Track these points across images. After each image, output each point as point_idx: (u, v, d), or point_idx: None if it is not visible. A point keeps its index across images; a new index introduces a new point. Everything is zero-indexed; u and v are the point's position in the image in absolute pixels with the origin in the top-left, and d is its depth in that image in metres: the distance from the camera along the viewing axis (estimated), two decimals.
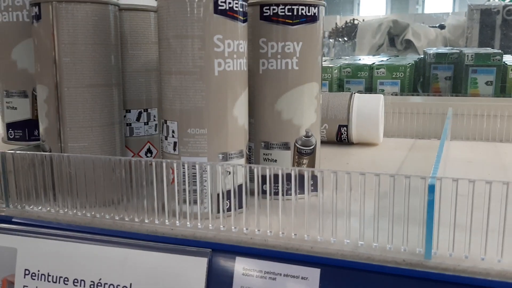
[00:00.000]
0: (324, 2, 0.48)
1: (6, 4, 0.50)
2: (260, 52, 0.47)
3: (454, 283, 0.32)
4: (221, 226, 0.39)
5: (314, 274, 0.34)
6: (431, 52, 1.02)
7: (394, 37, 3.22)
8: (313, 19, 0.46)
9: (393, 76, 0.95)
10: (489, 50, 0.92)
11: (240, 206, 0.42)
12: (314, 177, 0.49)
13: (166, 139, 0.43)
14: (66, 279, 0.40)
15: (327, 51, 5.23)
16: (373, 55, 2.15)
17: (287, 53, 0.46)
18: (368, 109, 0.74)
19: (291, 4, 0.45)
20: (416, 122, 0.82)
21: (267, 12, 0.46)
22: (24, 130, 0.52)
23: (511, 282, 0.31)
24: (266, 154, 0.48)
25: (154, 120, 0.53)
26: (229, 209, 0.42)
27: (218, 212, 0.41)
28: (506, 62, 0.87)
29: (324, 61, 1.18)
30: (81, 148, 0.45)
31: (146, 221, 0.41)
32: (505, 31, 3.09)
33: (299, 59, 0.46)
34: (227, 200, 0.42)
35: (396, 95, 0.95)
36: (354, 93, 0.76)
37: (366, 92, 0.99)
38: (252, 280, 0.35)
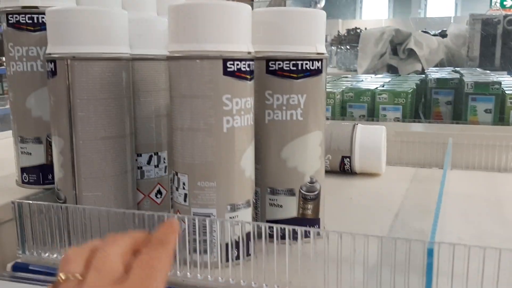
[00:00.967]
0: (327, 54, 0.50)
1: (20, 54, 0.52)
2: (266, 103, 0.49)
3: None
4: (230, 279, 0.41)
5: None
6: (433, 77, 1.04)
7: (397, 46, 3.23)
8: (317, 72, 0.48)
9: (395, 101, 0.97)
10: (488, 79, 0.94)
11: (248, 254, 0.44)
12: (316, 220, 0.51)
13: (177, 190, 0.45)
14: None
15: (329, 59, 5.23)
16: (375, 74, 2.16)
17: (292, 104, 0.48)
18: (371, 141, 0.76)
19: (296, 60, 0.47)
20: (418, 151, 0.84)
21: (272, 67, 0.48)
22: (39, 174, 0.54)
23: None
24: (272, 200, 0.50)
25: (164, 162, 0.55)
26: (237, 257, 0.44)
27: (227, 261, 0.43)
28: (505, 91, 0.89)
29: (328, 82, 1.20)
30: (95, 197, 0.47)
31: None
32: (506, 41, 3.11)
33: (303, 110, 0.48)
34: (235, 249, 0.44)
35: (398, 120, 0.96)
36: (357, 124, 0.78)
37: (368, 116, 1.01)
38: None
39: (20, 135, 0.54)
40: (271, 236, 0.41)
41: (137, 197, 0.53)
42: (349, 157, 0.76)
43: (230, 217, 0.44)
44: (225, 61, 0.42)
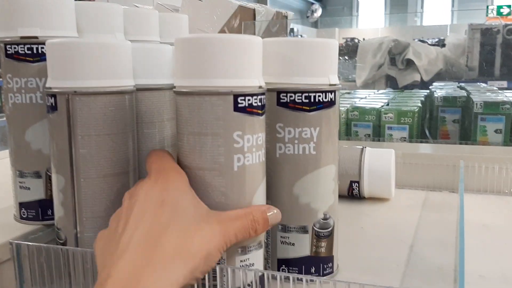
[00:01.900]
0: (340, 85, 0.47)
1: (19, 86, 0.50)
2: (277, 136, 0.46)
3: None
4: None
5: None
6: (439, 95, 1.02)
7: (395, 56, 3.23)
8: (330, 104, 0.46)
9: (401, 121, 0.95)
10: (498, 98, 0.92)
11: None
12: (330, 258, 0.49)
13: None
14: None
15: None
16: (377, 89, 2.14)
17: (304, 138, 0.46)
18: (380, 165, 0.73)
19: (308, 92, 0.45)
20: (427, 173, 0.82)
21: (284, 99, 0.45)
22: (38, 210, 0.52)
23: None
24: (284, 237, 0.48)
25: None
26: None
27: None
28: (509, 112, 0.87)
29: None
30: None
31: None
32: (505, 50, 3.11)
33: (316, 143, 0.46)
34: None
35: (405, 140, 0.94)
36: (365, 148, 0.75)
37: (374, 135, 0.99)
38: None
39: (18, 169, 0.52)
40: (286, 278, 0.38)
41: None
42: (358, 182, 0.74)
43: (241, 260, 0.42)
44: (236, 96, 0.40)
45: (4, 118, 0.52)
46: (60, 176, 0.45)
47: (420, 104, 1.02)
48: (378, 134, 0.98)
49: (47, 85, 0.45)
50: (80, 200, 0.44)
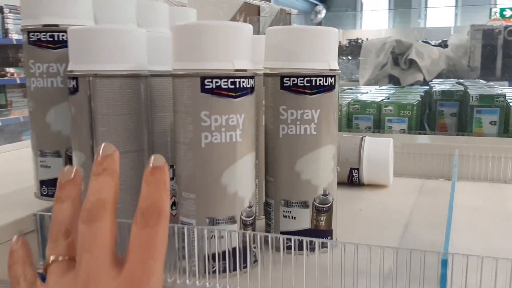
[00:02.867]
0: (339, 71, 0.51)
1: (41, 71, 0.54)
2: (280, 118, 0.50)
3: None
4: (228, 286, 0.43)
5: None
6: (437, 89, 1.06)
7: (398, 57, 3.25)
8: (330, 88, 0.50)
9: (401, 114, 0.98)
10: (493, 91, 0.96)
11: (245, 266, 0.45)
12: (329, 232, 0.52)
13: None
14: None
15: None
16: (379, 85, 2.17)
17: (305, 119, 0.50)
18: (378, 154, 0.77)
19: (310, 76, 0.49)
20: (424, 163, 0.85)
21: (287, 83, 0.49)
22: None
23: None
24: (286, 212, 0.52)
25: None
26: (234, 269, 0.45)
27: (224, 272, 0.45)
28: (509, 103, 0.90)
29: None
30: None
31: (179, 281, 0.45)
32: (506, 51, 3.13)
33: (317, 124, 0.50)
34: (224, 260, 0.45)
35: (404, 132, 0.98)
36: (365, 137, 0.79)
37: (374, 128, 1.03)
38: None
39: (39, 149, 0.56)
40: (277, 248, 0.42)
41: None
42: (357, 169, 0.77)
43: (211, 234, 0.45)
44: (202, 78, 0.43)
45: None
46: (81, 153, 0.49)
47: (419, 98, 1.05)
48: (378, 127, 1.01)
49: (68, 69, 0.48)
50: None
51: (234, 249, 0.45)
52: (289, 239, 0.41)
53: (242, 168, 0.46)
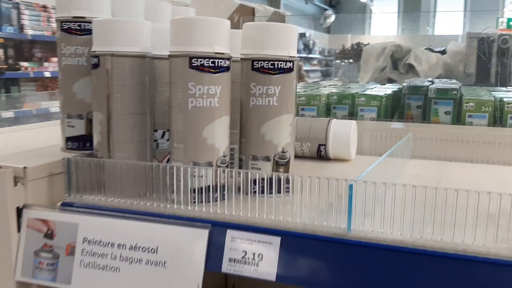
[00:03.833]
0: (298, 58, 0.67)
1: (70, 52, 0.70)
2: (251, 92, 0.66)
3: (362, 246, 0.50)
4: (218, 210, 0.59)
5: (276, 240, 0.53)
6: (406, 84, 1.21)
7: (397, 61, 3.40)
8: (289, 70, 0.66)
9: (371, 104, 1.14)
10: (449, 86, 1.11)
11: (224, 198, 0.61)
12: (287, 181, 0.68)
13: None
14: (112, 244, 0.59)
15: (335, 72, 5.39)
16: (380, 84, 2.30)
17: (269, 93, 0.65)
18: (342, 132, 0.93)
19: (274, 60, 0.65)
20: (386, 144, 1.01)
21: (256, 65, 0.65)
22: (80, 142, 0.72)
23: (395, 245, 0.49)
24: (253, 164, 0.67)
25: None
26: (222, 199, 0.61)
27: (209, 201, 0.61)
28: (462, 96, 1.06)
29: (317, 88, 1.37)
30: (124, 157, 0.65)
31: (169, 206, 0.61)
32: (500, 58, 3.27)
33: (278, 97, 0.66)
34: (222, 192, 0.61)
35: (374, 120, 1.13)
36: (332, 119, 0.95)
37: (349, 116, 1.18)
38: (237, 243, 0.54)
39: (66, 112, 0.72)
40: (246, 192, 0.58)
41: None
42: (324, 145, 0.93)
43: (193, 171, 0.61)
44: (190, 58, 0.60)
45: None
46: (100, 113, 0.65)
47: (390, 92, 1.21)
48: (352, 115, 1.17)
49: (92, 50, 0.65)
50: (112, 130, 0.64)
51: (209, 186, 0.61)
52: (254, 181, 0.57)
53: (219, 126, 0.62)
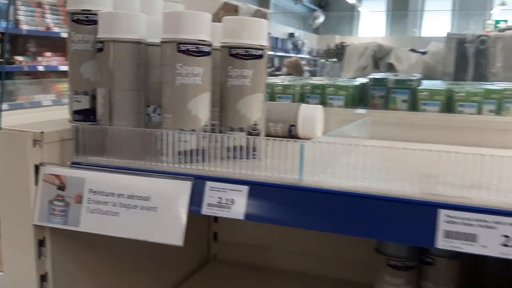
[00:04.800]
0: (268, 46, 0.81)
1: (78, 39, 0.84)
2: (228, 74, 0.80)
3: (311, 191, 0.65)
4: (199, 167, 0.73)
5: (245, 189, 0.67)
6: (370, 77, 1.36)
7: (378, 60, 3.55)
8: (260, 57, 0.80)
9: (339, 93, 1.28)
10: (405, 77, 1.26)
11: (204, 160, 0.75)
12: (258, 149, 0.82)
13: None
14: (113, 194, 0.73)
15: (320, 70, 5.54)
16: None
17: (244, 75, 0.80)
18: (309, 115, 1.07)
19: (247, 48, 0.79)
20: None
21: (233, 52, 0.79)
22: (85, 115, 0.86)
23: (339, 191, 0.64)
24: (230, 134, 0.81)
25: None
26: (201, 160, 0.75)
27: (192, 162, 0.75)
28: (417, 87, 1.21)
29: (295, 80, 1.52)
30: (122, 125, 0.78)
31: (159, 164, 0.75)
32: (478, 59, 3.44)
33: (251, 79, 0.80)
34: (203, 154, 0.75)
35: (341, 107, 1.28)
36: (301, 104, 1.09)
37: (320, 104, 1.33)
38: (214, 192, 0.68)
39: (74, 89, 0.85)
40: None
41: None
42: (295, 126, 1.08)
43: (179, 137, 0.75)
44: (178, 44, 0.74)
45: None
46: (103, 89, 0.79)
47: (357, 84, 1.35)
48: (323, 103, 1.31)
49: (97, 36, 0.79)
50: (113, 102, 0.78)
51: (192, 149, 0.75)
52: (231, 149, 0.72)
53: (201, 100, 0.76)
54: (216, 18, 1.26)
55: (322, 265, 1.21)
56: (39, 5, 4.23)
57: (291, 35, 11.21)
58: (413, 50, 4.16)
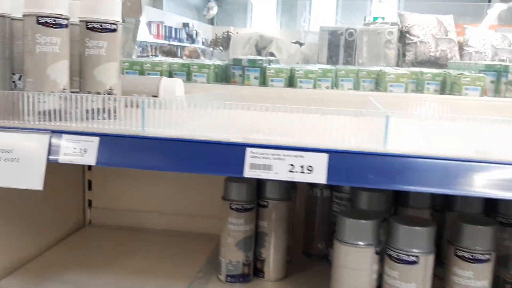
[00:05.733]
0: (121, 21, 0.94)
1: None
2: (85, 45, 0.92)
3: (152, 139, 0.80)
4: (57, 124, 0.85)
5: (96, 139, 0.80)
6: (231, 58, 1.54)
7: (261, 50, 3.79)
8: (115, 30, 0.93)
9: (202, 71, 1.44)
10: (257, 57, 1.45)
11: (62, 119, 0.87)
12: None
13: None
14: None
15: (208, 58, 5.69)
16: None
17: (100, 46, 0.92)
18: (169, 87, 1.22)
19: (102, 22, 0.91)
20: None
21: (90, 26, 0.91)
22: None
23: (173, 138, 0.79)
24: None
25: None
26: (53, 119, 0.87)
27: (50, 120, 0.86)
28: (266, 66, 1.40)
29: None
30: None
31: (21, 122, 0.85)
32: (347, 49, 3.78)
33: (106, 50, 0.92)
34: (60, 113, 0.87)
35: (203, 83, 1.44)
36: (163, 77, 1.23)
37: (186, 80, 1.48)
38: (68, 143, 0.80)
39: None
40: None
41: None
42: (156, 96, 1.21)
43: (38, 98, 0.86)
44: (37, 17, 0.85)
45: None
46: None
47: (219, 63, 1.52)
48: (189, 80, 1.47)
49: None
50: None
51: (51, 109, 0.86)
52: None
53: (59, 66, 0.88)
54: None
55: (185, 222, 1.37)
56: None
57: (186, 25, 11.25)
58: (298, 42, 4.47)
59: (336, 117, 0.78)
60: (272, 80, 1.36)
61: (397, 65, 3.21)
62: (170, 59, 1.54)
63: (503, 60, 3.17)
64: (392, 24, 3.72)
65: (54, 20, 0.86)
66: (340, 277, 0.85)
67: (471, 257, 0.80)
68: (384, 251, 0.84)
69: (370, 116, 0.76)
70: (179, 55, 7.35)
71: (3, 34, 0.88)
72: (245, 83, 1.41)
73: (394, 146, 0.74)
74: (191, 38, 11.02)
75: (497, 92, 1.39)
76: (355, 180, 0.74)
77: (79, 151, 0.81)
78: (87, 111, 0.90)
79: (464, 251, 0.81)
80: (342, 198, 1.16)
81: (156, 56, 7.46)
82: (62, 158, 0.81)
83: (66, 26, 0.88)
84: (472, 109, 1.22)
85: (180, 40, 10.50)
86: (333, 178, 0.74)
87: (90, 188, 1.46)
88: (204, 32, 11.65)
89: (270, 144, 0.76)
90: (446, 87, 1.37)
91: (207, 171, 0.78)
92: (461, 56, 3.59)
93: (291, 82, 1.35)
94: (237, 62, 1.49)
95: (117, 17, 0.94)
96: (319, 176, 0.74)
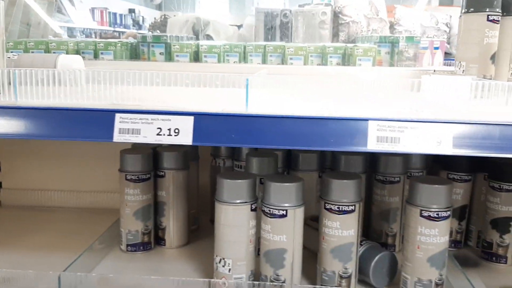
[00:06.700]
0: (3, 2, 0.94)
1: None
2: None
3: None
4: None
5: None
6: (140, 35, 1.55)
7: (198, 32, 3.79)
8: None
9: (109, 49, 1.45)
10: (163, 34, 1.48)
11: None
12: None
13: None
14: None
15: None
16: None
17: None
18: (67, 64, 1.22)
19: None
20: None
21: None
22: None
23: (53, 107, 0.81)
24: None
25: None
26: None
27: None
28: (167, 41, 1.43)
29: None
30: None
31: None
32: (282, 30, 3.83)
33: None
34: None
35: (111, 60, 1.45)
36: (61, 54, 1.24)
37: (94, 58, 1.49)
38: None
39: None
40: None
41: None
42: None
43: None
44: None
45: None
46: None
47: (127, 41, 1.53)
48: (96, 57, 1.47)
49: None
50: None
51: None
52: None
53: None
54: None
55: (92, 199, 1.40)
56: None
57: (132, 11, 11.05)
58: (236, 25, 4.47)
59: (205, 87, 0.82)
60: (177, 56, 1.38)
61: None
62: (75, 39, 1.54)
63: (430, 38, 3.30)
64: (326, 5, 3.79)
65: None
66: (222, 235, 0.90)
67: (337, 209, 0.86)
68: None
69: (233, 80, 0.80)
70: None
71: None
72: (151, 59, 1.42)
73: (255, 108, 0.78)
74: (137, 24, 10.84)
75: (391, 63, 1.47)
76: (220, 140, 0.78)
77: None
78: None
79: (332, 204, 0.86)
80: (241, 166, 1.20)
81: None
82: None
83: None
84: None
85: (126, 26, 10.32)
86: (199, 139, 0.78)
87: None
88: (151, 18, 11.48)
89: (139, 109, 0.79)
90: (345, 59, 1.44)
91: (79, 138, 0.81)
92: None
93: (196, 56, 1.38)
94: (143, 39, 1.51)
95: None
96: (186, 138, 0.78)
